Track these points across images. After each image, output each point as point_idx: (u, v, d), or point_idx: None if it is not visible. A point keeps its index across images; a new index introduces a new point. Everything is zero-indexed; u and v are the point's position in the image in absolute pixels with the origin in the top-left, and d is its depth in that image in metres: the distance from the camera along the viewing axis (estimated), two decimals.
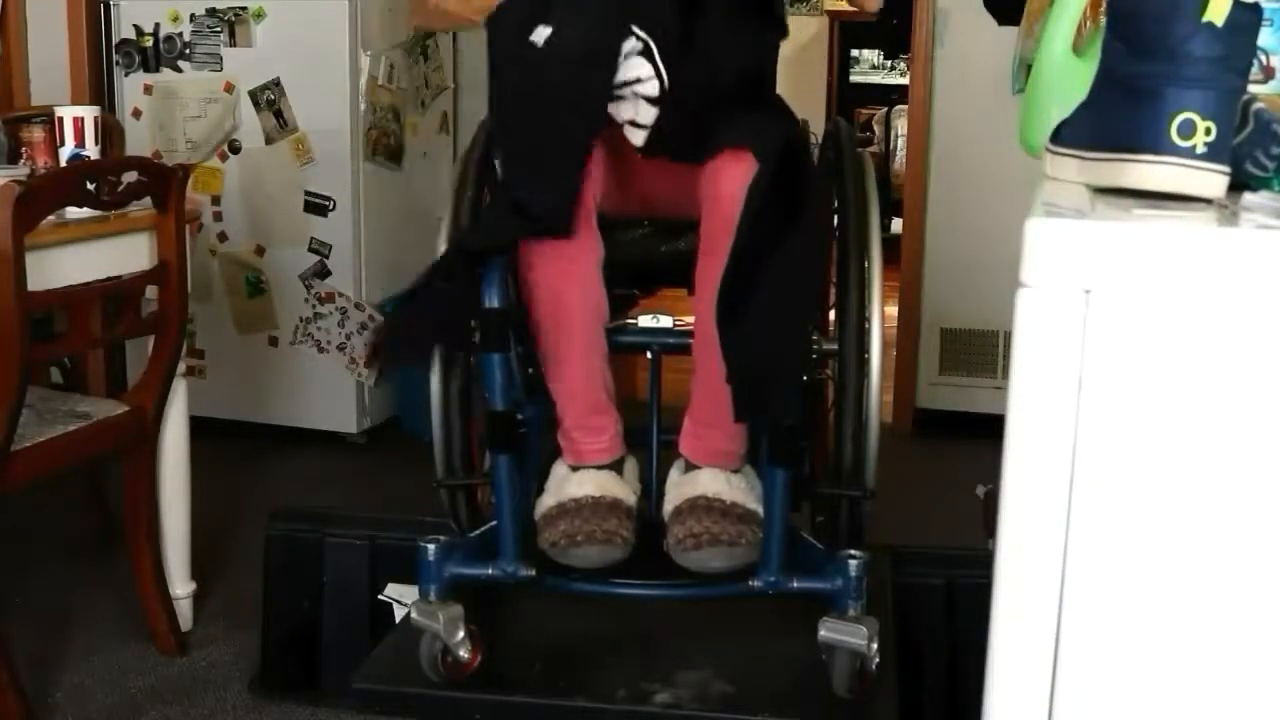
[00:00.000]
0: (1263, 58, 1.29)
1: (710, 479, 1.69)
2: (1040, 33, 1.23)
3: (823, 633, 1.66)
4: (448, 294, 1.71)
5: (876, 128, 6.81)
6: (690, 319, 1.77)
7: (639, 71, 1.65)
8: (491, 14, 1.76)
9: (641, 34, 1.65)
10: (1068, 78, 1.16)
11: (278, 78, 3.60)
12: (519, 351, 1.80)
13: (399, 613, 2.08)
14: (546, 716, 1.76)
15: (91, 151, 2.44)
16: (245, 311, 3.75)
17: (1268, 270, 0.89)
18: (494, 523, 1.80)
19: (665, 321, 1.88)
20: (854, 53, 7.21)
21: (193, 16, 3.65)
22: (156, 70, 3.71)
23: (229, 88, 3.64)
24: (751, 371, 1.62)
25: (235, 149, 3.67)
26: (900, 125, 6.26)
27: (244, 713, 2.24)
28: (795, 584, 1.71)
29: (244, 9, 3.60)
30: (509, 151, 1.80)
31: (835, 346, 1.84)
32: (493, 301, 1.72)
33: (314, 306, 3.68)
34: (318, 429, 3.72)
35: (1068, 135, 1.12)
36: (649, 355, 1.96)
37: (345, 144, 3.58)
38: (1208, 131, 0.99)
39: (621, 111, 1.68)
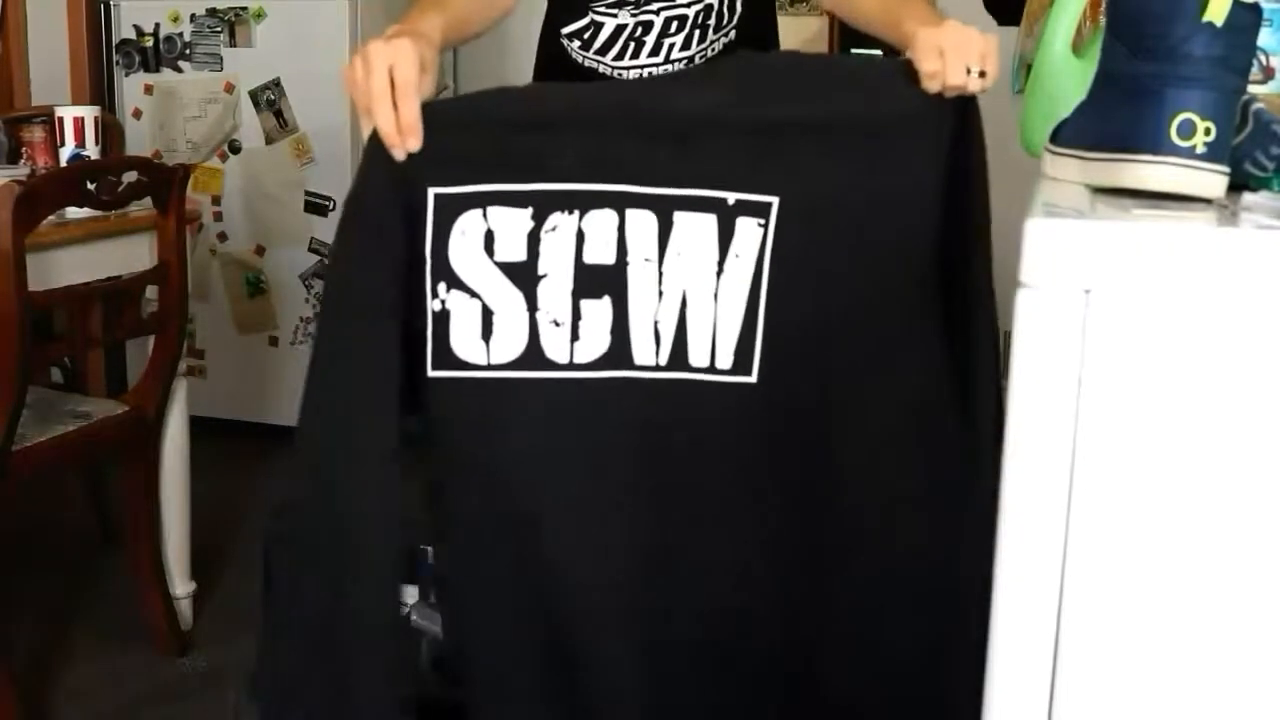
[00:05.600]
0: (1263, 58, 1.29)
1: None
2: (1040, 33, 1.23)
3: None
4: None
5: None
6: None
7: None
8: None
9: None
10: (1068, 78, 1.16)
11: (278, 78, 3.60)
12: None
13: None
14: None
15: (91, 151, 2.44)
16: (245, 311, 3.75)
17: (1268, 270, 0.89)
18: None
19: None
20: (854, 52, 7.20)
21: (193, 16, 3.65)
22: (157, 70, 3.71)
23: (229, 88, 3.64)
24: None
25: (235, 149, 3.67)
26: None
27: (244, 713, 2.24)
28: None
29: (244, 9, 3.60)
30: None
31: None
32: None
33: (314, 306, 3.68)
34: None
35: (1068, 135, 1.12)
36: None
37: (345, 144, 3.58)
38: (1207, 131, 0.99)
39: None
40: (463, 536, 1.35)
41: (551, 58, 1.72)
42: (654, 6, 1.65)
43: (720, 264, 1.29)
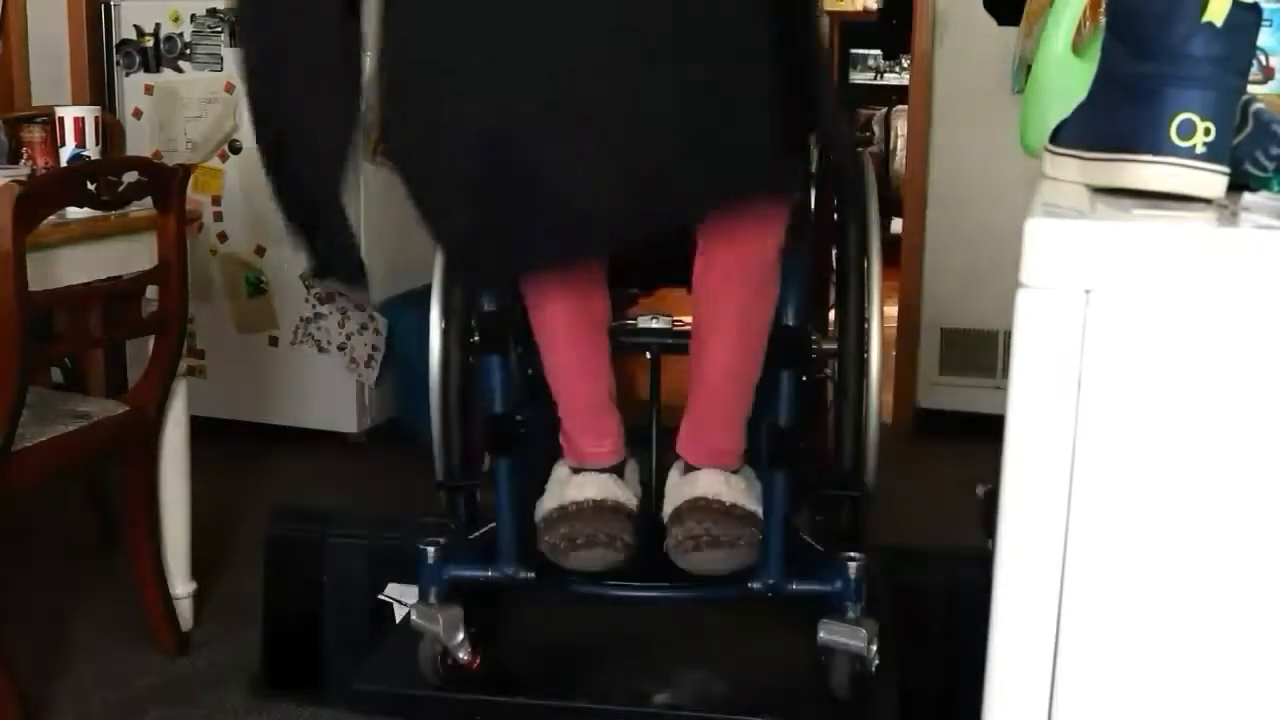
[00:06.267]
0: (1263, 58, 1.29)
1: (709, 480, 1.68)
2: (1040, 33, 1.23)
3: (822, 635, 1.66)
4: None
5: (876, 128, 6.80)
6: (689, 319, 1.75)
7: None
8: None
9: None
10: (1068, 78, 1.16)
11: None
12: (519, 352, 1.79)
13: (399, 613, 2.08)
14: (546, 717, 1.76)
15: (92, 151, 2.44)
16: (245, 311, 3.75)
17: (1268, 270, 0.89)
18: (494, 524, 1.80)
19: (664, 322, 1.87)
20: (854, 52, 7.22)
21: (193, 17, 3.65)
22: (157, 70, 3.71)
23: (229, 88, 3.64)
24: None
25: (235, 149, 3.67)
26: (900, 125, 6.26)
27: (244, 713, 2.24)
28: (794, 586, 1.70)
29: None
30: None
31: (835, 346, 1.84)
32: (491, 304, 1.72)
33: (314, 306, 3.68)
34: (318, 429, 3.72)
35: (1068, 135, 1.12)
36: (648, 356, 1.95)
37: None
38: (1207, 132, 0.99)
39: None
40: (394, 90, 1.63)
41: None
42: None
43: None
